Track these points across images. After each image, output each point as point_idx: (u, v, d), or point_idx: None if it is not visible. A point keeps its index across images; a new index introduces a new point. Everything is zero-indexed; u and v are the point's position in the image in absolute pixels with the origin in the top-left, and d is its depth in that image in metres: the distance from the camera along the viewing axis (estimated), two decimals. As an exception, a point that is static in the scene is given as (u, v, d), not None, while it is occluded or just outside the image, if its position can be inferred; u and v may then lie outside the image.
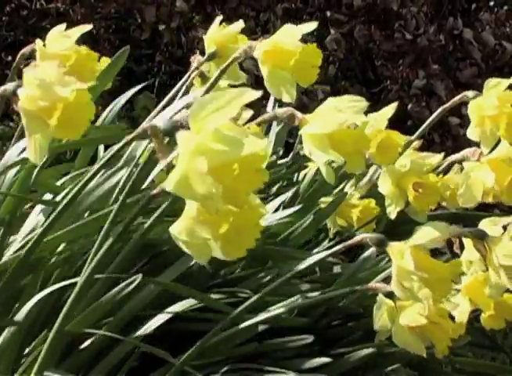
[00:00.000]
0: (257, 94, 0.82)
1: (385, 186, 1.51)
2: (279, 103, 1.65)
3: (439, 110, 1.55)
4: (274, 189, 1.65)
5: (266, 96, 1.88)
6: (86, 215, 1.24)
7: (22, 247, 1.19)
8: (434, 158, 1.55)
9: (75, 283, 1.06)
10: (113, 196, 1.24)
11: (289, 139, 1.90)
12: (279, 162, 1.65)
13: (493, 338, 1.67)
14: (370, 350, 1.31)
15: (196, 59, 1.42)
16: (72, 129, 0.93)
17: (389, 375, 1.50)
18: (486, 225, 1.16)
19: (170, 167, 0.84)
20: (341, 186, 1.62)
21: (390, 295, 1.11)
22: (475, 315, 1.28)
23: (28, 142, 0.93)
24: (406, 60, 2.81)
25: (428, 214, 1.53)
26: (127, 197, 1.04)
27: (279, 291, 1.27)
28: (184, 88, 1.42)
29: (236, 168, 0.81)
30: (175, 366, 1.15)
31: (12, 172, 1.28)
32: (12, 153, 1.28)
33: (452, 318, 1.21)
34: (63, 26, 1.14)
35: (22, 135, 1.21)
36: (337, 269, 1.47)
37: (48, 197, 1.31)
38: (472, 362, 1.57)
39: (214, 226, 0.86)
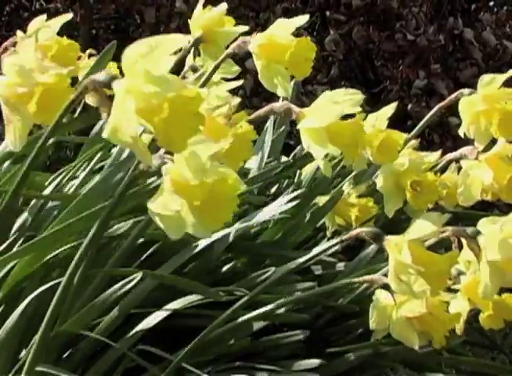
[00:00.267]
0: (184, 40, 0.86)
1: (383, 185, 1.51)
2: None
3: (436, 108, 1.55)
4: (273, 189, 1.65)
5: (267, 98, 1.89)
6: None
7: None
8: (432, 156, 1.55)
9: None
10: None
11: (289, 141, 1.90)
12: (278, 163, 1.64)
13: (493, 338, 1.67)
14: (367, 350, 1.31)
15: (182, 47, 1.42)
16: (50, 114, 0.92)
17: (388, 375, 1.50)
18: (484, 224, 1.15)
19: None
20: (339, 184, 1.62)
21: (387, 288, 1.11)
22: (474, 315, 1.28)
23: (7, 130, 0.93)
24: (406, 60, 2.81)
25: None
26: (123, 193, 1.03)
27: (276, 290, 1.27)
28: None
29: (166, 109, 0.81)
30: (172, 364, 1.15)
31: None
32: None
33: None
34: (44, 17, 1.13)
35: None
36: (336, 267, 1.47)
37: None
38: (472, 362, 1.56)
39: (188, 198, 0.87)
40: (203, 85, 1.31)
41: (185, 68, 1.51)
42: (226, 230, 1.28)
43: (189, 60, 1.50)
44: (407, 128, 1.63)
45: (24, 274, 1.18)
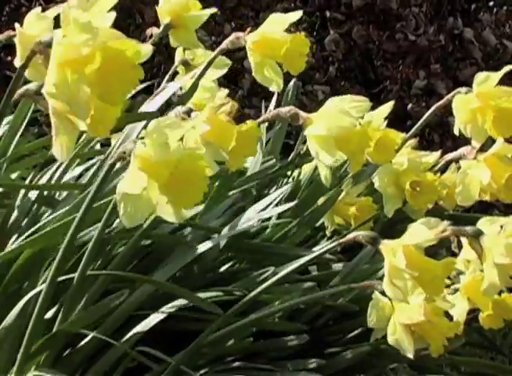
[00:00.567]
0: None
1: (382, 185, 1.51)
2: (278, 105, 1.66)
3: (434, 107, 1.55)
4: (273, 189, 1.65)
5: (266, 98, 1.88)
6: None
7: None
8: (432, 156, 1.55)
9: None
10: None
11: (289, 141, 1.89)
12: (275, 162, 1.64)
13: (492, 338, 1.67)
14: (365, 348, 1.31)
15: (152, 32, 1.42)
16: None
17: (388, 375, 1.49)
18: (484, 224, 1.15)
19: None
20: (338, 184, 1.61)
21: (385, 293, 1.10)
22: (474, 314, 1.28)
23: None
24: (406, 60, 2.81)
25: (427, 215, 1.53)
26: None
27: (275, 290, 1.27)
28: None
29: (98, 58, 0.80)
30: (170, 366, 1.15)
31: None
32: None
33: (450, 317, 1.21)
34: (39, 9, 1.13)
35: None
36: (334, 267, 1.47)
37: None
38: (471, 362, 1.56)
39: (153, 176, 0.87)
40: (197, 82, 1.31)
41: (176, 63, 1.52)
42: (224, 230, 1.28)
43: (179, 55, 1.51)
44: (407, 128, 1.63)
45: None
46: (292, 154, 1.70)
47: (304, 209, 1.47)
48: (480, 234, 1.11)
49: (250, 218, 1.32)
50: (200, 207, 1.33)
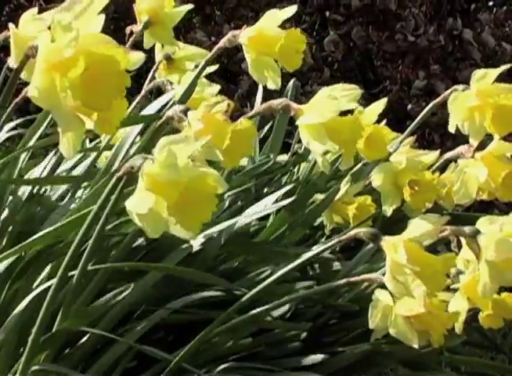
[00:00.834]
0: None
1: (381, 184, 1.51)
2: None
3: (430, 104, 1.55)
4: (272, 189, 1.65)
5: (266, 98, 1.88)
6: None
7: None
8: (430, 155, 1.55)
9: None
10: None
11: (289, 141, 1.89)
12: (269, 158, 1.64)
13: (492, 337, 1.67)
14: (365, 348, 1.31)
15: (132, 30, 1.44)
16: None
17: (388, 374, 1.50)
18: (483, 223, 1.15)
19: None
20: (336, 182, 1.61)
21: (385, 287, 1.10)
22: (474, 314, 1.28)
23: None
24: (406, 61, 2.81)
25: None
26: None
27: (276, 288, 1.27)
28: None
29: (81, 63, 0.79)
30: (171, 365, 1.15)
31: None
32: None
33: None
34: (35, 9, 1.13)
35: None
36: (334, 266, 1.47)
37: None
38: (471, 361, 1.56)
39: (163, 196, 0.86)
40: (195, 80, 1.31)
41: (158, 58, 1.52)
42: (222, 226, 1.28)
43: (159, 50, 1.52)
44: (407, 129, 1.64)
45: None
46: (289, 153, 1.70)
47: (301, 207, 1.47)
48: (477, 234, 1.12)
49: (249, 215, 1.32)
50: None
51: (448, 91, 1.45)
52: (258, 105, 1.70)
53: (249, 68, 1.27)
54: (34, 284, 1.18)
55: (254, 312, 1.18)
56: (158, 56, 1.54)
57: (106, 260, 1.19)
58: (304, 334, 1.32)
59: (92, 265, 1.13)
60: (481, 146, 1.43)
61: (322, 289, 1.29)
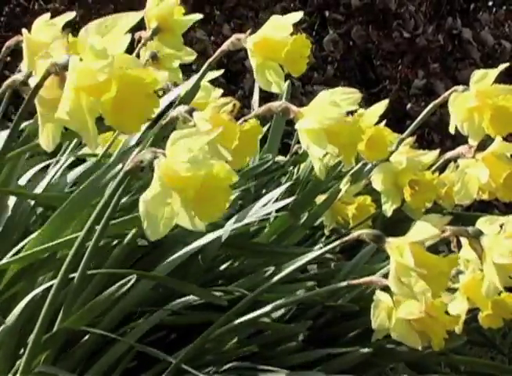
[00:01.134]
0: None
1: (381, 184, 1.51)
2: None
3: (431, 105, 1.55)
4: (271, 188, 1.65)
5: (266, 98, 1.88)
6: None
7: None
8: (430, 155, 1.55)
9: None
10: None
11: (288, 141, 1.89)
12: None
13: (492, 337, 1.67)
14: (367, 349, 1.31)
15: (141, 36, 1.44)
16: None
17: (388, 374, 1.49)
18: (483, 224, 1.16)
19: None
20: (337, 183, 1.61)
21: (386, 290, 1.11)
22: (474, 314, 1.28)
23: (41, 130, 0.92)
24: (405, 60, 2.81)
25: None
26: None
27: (276, 289, 1.26)
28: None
29: (114, 86, 0.80)
30: (171, 366, 1.15)
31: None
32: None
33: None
34: (48, 15, 1.14)
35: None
36: (334, 266, 1.47)
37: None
38: (471, 361, 1.56)
39: (181, 190, 0.87)
40: (198, 82, 1.31)
41: (146, 57, 1.52)
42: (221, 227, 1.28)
43: (143, 51, 1.52)
44: (406, 128, 1.64)
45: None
46: (289, 154, 1.70)
47: (301, 207, 1.47)
48: (480, 234, 1.12)
49: (250, 215, 1.32)
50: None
51: (448, 91, 1.45)
52: (256, 104, 1.71)
53: (254, 73, 1.26)
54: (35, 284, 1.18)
55: (254, 314, 1.18)
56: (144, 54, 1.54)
57: (106, 260, 1.19)
58: (304, 334, 1.31)
59: (92, 266, 1.13)
60: (481, 147, 1.43)
61: (324, 291, 1.29)
